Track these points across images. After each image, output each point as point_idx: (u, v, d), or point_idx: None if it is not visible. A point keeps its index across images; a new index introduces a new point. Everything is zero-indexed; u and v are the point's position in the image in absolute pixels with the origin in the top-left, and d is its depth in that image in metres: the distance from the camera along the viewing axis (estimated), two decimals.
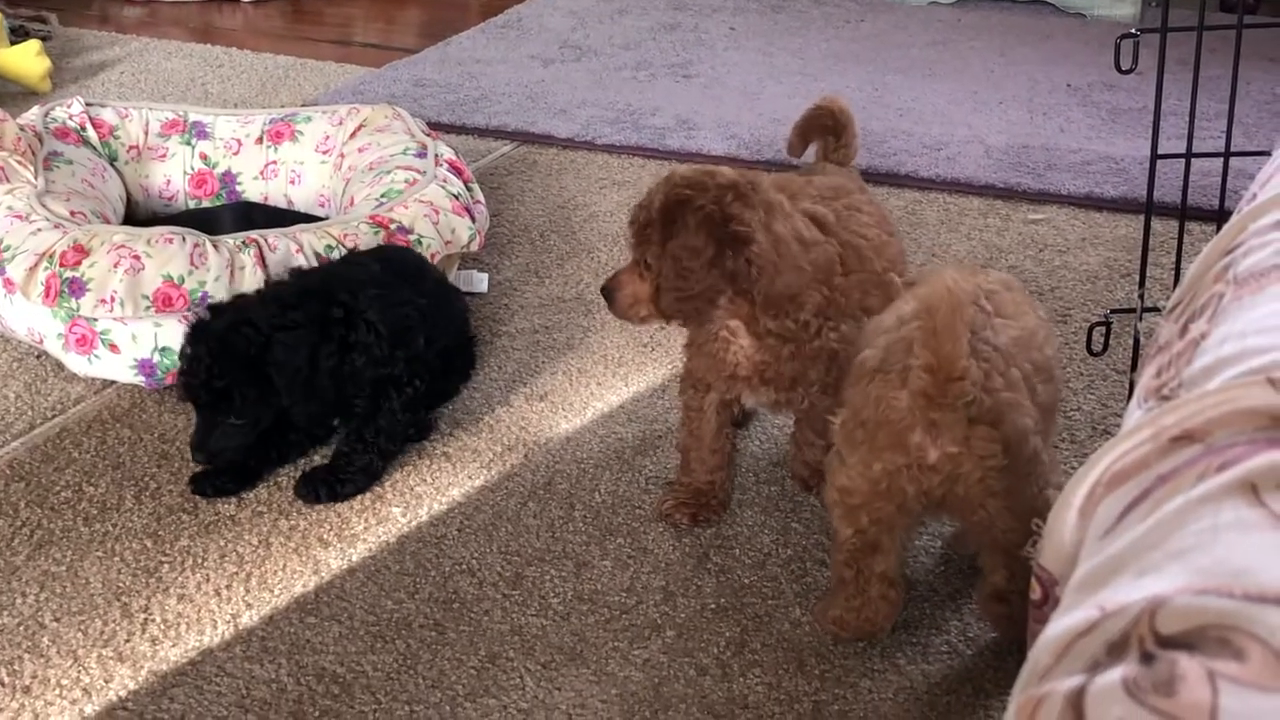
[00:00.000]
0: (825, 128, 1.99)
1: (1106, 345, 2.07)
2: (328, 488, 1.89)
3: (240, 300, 1.94)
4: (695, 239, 1.57)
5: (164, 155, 2.69)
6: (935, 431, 1.42)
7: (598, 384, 2.17)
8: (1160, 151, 1.91)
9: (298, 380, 1.84)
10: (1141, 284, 2.00)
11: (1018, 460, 1.43)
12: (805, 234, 1.63)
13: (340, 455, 1.92)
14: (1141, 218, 2.01)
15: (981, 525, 1.49)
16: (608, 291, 1.69)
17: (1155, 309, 2.00)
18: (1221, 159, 1.97)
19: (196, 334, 1.85)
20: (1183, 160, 1.95)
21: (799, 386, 1.72)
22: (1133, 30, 1.82)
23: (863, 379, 1.49)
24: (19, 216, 2.23)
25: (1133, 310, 2.01)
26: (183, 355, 1.86)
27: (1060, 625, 0.71)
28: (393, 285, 1.99)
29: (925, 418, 1.41)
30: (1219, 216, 1.91)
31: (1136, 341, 1.96)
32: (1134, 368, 1.97)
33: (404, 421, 1.96)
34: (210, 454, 1.88)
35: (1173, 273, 2.14)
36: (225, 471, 1.92)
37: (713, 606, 1.68)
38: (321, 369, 1.86)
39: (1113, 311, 2.11)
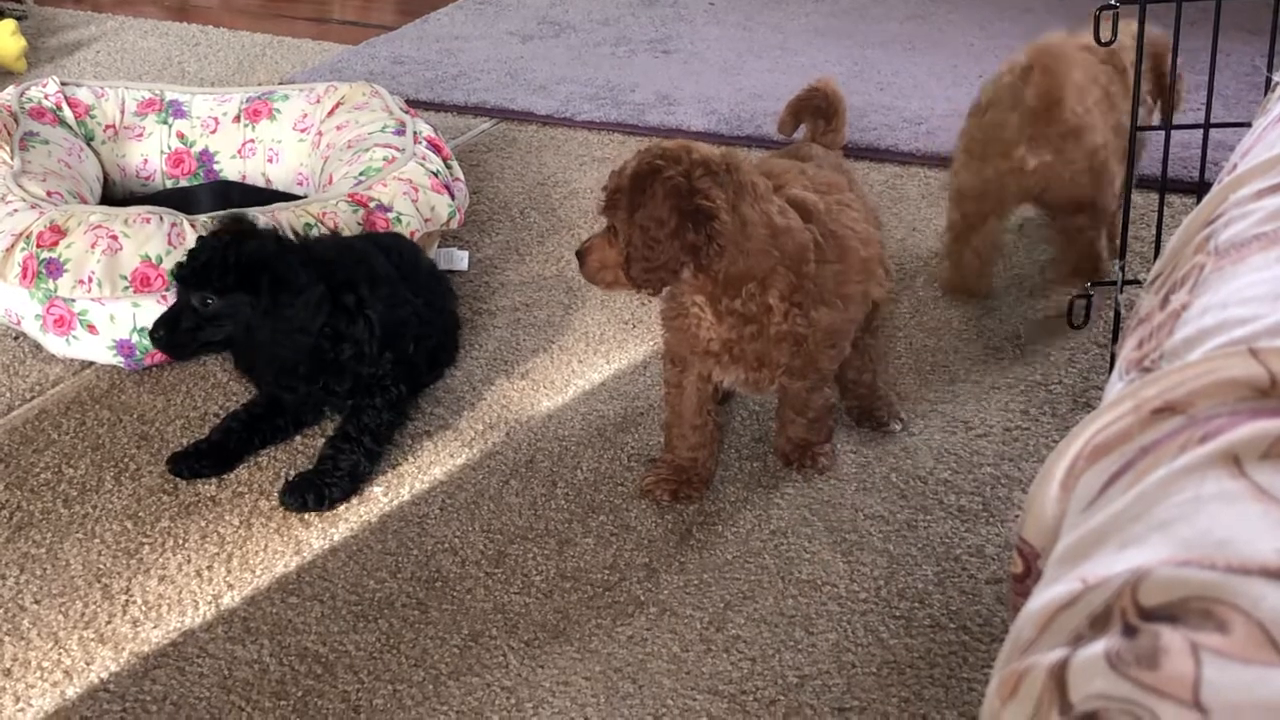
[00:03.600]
0: (818, 109, 2.00)
1: (1087, 318, 2.08)
2: (315, 494, 1.82)
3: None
4: (660, 209, 1.59)
5: (141, 134, 2.68)
6: (1034, 144, 2.04)
7: (579, 361, 2.17)
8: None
9: (289, 323, 1.84)
10: (1121, 256, 2.00)
11: (1094, 165, 2.05)
12: (777, 220, 1.65)
13: (325, 459, 1.87)
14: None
15: (1067, 218, 2.17)
16: (580, 255, 1.72)
17: (1136, 281, 2.00)
18: (1201, 131, 1.97)
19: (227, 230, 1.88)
20: (1162, 132, 1.95)
21: (765, 368, 1.73)
22: (1112, 2, 1.81)
23: (980, 112, 2.15)
24: None
25: (1113, 283, 2.01)
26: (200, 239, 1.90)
27: (1042, 598, 0.71)
28: (396, 283, 1.98)
29: (1027, 134, 2.03)
30: (1199, 188, 1.91)
31: (1117, 314, 1.96)
32: (1115, 340, 1.97)
33: (388, 421, 1.93)
34: (165, 335, 1.84)
35: (1153, 245, 2.14)
36: (205, 455, 1.91)
37: (695, 582, 1.68)
38: (308, 334, 1.85)
39: (1093, 284, 2.11)
